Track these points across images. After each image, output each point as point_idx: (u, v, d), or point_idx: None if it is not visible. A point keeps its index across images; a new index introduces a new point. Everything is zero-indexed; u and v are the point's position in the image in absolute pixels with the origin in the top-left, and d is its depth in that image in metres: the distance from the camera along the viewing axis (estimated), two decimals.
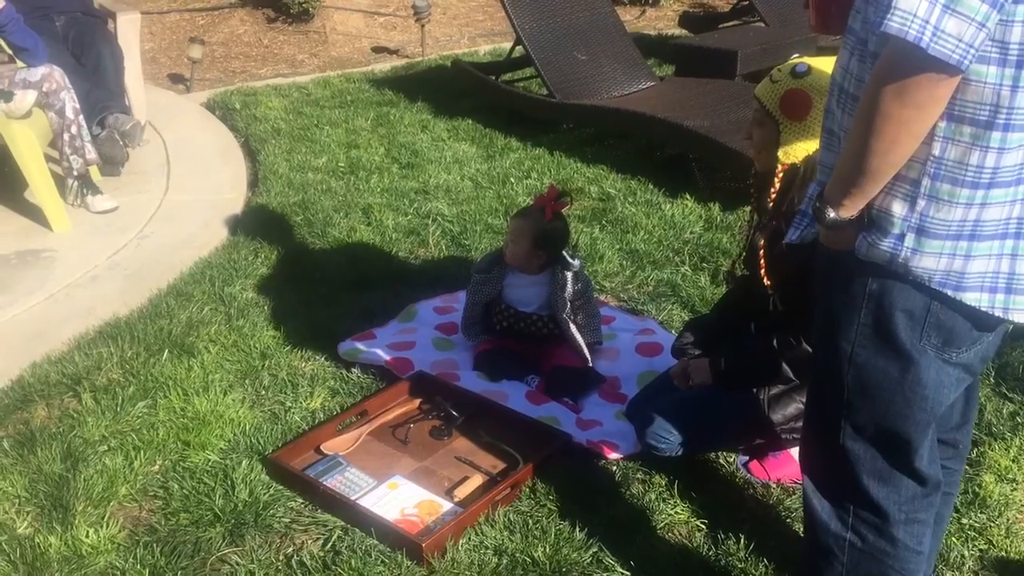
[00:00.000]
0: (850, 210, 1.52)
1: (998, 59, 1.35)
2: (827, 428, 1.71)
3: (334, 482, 2.52)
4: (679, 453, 2.55)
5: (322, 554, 2.29)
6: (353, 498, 2.45)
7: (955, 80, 1.34)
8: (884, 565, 1.71)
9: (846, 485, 1.70)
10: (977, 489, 2.46)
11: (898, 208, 1.48)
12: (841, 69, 1.56)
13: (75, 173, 4.22)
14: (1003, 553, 2.28)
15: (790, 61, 2.28)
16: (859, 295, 1.58)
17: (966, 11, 1.28)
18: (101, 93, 4.70)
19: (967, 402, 1.85)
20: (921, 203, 1.46)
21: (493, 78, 5.97)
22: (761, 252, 2.29)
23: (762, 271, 2.30)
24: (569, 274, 3.05)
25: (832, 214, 1.53)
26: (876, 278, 1.54)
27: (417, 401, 2.90)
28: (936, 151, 1.43)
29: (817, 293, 1.71)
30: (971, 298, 1.49)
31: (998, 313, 1.50)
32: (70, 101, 4.13)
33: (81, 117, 4.20)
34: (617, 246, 3.94)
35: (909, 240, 1.48)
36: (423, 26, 7.34)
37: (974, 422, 1.99)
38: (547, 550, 2.27)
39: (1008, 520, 2.38)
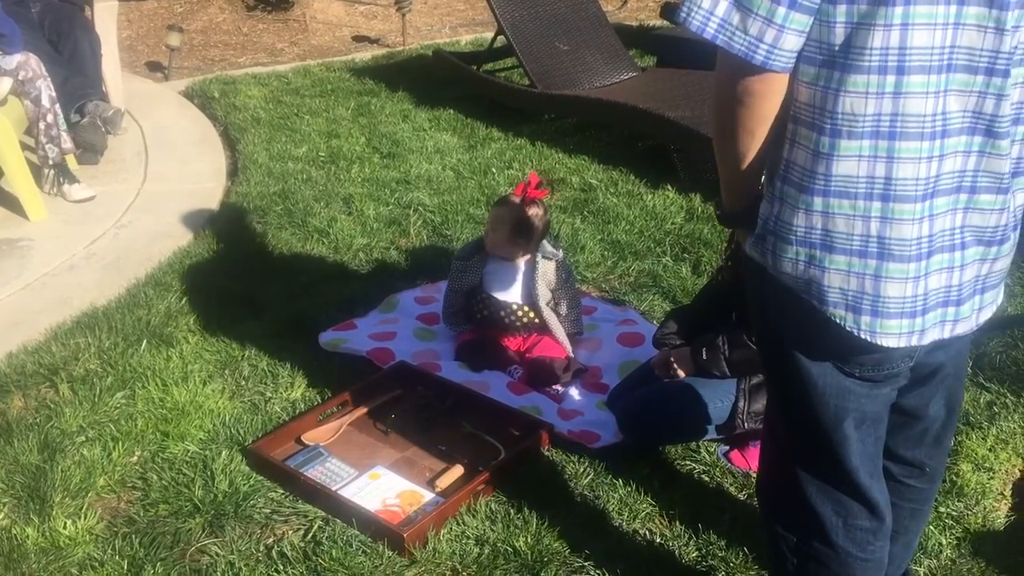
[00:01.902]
0: (728, 205, 1.54)
1: (821, 60, 1.33)
2: (772, 429, 1.72)
3: (315, 472, 2.51)
4: (660, 443, 2.55)
5: (303, 544, 2.28)
6: (334, 488, 2.44)
7: (766, 76, 1.33)
8: (829, 571, 1.68)
9: (788, 489, 1.68)
10: (955, 478, 2.48)
11: (763, 209, 1.48)
12: None
13: (51, 162, 4.18)
14: (980, 541, 2.30)
15: None
16: (757, 295, 1.58)
17: (748, 5, 1.28)
18: (79, 81, 4.66)
19: (944, 427, 1.77)
20: (776, 205, 1.45)
21: (474, 68, 5.95)
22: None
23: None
24: (550, 263, 3.04)
25: (719, 211, 1.57)
26: (762, 279, 1.52)
27: (398, 391, 2.89)
28: (785, 153, 1.42)
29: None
30: (837, 315, 1.43)
31: (864, 336, 1.42)
32: (46, 89, 4.08)
33: (57, 106, 4.15)
34: (599, 236, 3.94)
35: (770, 242, 1.47)
36: (404, 15, 7.30)
37: (950, 447, 1.94)
38: (528, 540, 2.27)
39: (985, 508, 2.40)
